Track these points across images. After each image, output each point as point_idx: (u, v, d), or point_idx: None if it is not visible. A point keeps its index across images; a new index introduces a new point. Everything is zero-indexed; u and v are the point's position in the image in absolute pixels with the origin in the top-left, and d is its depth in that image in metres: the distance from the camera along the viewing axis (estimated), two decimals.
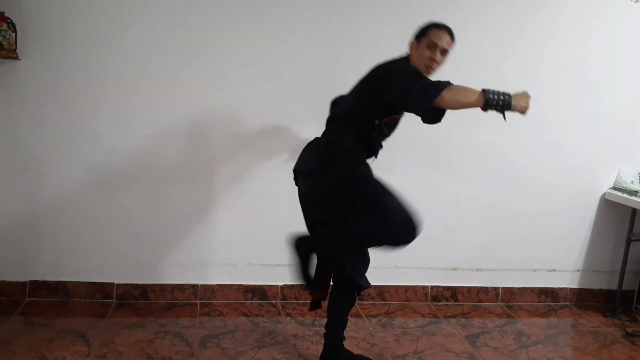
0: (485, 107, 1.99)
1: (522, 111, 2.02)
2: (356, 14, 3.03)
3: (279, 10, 2.96)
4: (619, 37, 3.31)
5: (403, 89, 2.06)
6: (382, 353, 2.69)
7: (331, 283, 2.48)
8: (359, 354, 2.56)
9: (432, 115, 2.05)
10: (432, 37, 2.23)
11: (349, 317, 2.50)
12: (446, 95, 1.98)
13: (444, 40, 2.23)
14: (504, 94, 1.98)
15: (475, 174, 3.29)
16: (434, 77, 2.23)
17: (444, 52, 2.25)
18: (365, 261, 2.43)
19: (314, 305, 2.48)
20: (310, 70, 3.02)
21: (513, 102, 1.98)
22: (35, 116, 2.85)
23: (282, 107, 3.03)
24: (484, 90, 1.99)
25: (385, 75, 2.18)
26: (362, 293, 2.52)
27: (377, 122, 2.27)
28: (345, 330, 2.50)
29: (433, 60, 2.23)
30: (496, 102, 1.95)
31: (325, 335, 2.48)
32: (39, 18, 2.77)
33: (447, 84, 2.01)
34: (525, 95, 2.04)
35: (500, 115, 2.03)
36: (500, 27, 3.18)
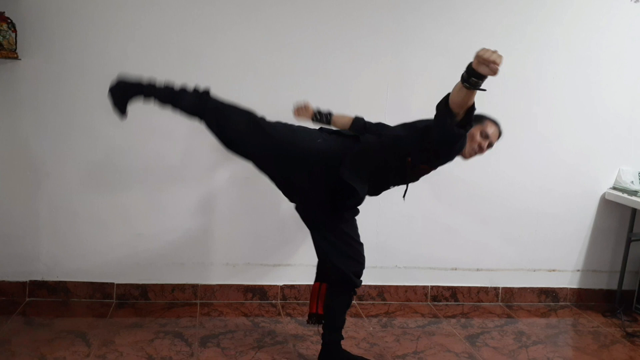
0: (464, 84, 1.95)
1: (482, 62, 1.94)
2: (357, 13, 3.03)
3: (280, 10, 2.97)
4: (619, 37, 3.31)
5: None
6: (382, 353, 2.69)
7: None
8: (358, 355, 2.56)
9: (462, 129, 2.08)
10: (488, 130, 2.32)
11: (349, 317, 2.50)
12: (453, 95, 1.99)
13: (495, 136, 2.36)
14: (466, 67, 1.97)
15: (475, 173, 3.29)
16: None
17: (490, 145, 2.36)
18: (359, 261, 2.42)
19: (316, 319, 2.52)
20: (311, 70, 3.02)
21: (473, 65, 1.93)
22: (35, 116, 2.85)
23: (282, 107, 3.02)
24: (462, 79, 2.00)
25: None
26: (357, 292, 2.52)
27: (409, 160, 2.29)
28: (345, 330, 2.50)
29: (481, 147, 2.34)
30: (465, 77, 1.93)
31: (323, 336, 2.48)
32: (39, 18, 2.77)
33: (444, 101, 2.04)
34: (480, 52, 1.97)
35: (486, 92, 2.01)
36: (500, 27, 3.18)
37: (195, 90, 2.41)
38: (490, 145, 2.37)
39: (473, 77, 1.92)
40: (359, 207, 2.41)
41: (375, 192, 2.40)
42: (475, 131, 2.30)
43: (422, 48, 3.11)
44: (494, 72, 1.93)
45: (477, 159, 3.24)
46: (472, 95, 1.96)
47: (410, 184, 2.37)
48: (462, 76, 1.94)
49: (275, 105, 3.01)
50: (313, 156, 2.28)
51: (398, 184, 2.41)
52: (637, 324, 3.27)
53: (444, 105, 2.01)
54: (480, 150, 2.35)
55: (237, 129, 2.33)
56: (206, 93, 2.40)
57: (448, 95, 2.01)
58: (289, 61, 3.01)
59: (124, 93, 2.40)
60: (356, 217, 2.46)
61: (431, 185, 3.24)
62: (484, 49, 1.92)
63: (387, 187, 2.43)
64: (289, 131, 2.36)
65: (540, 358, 2.76)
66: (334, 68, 3.05)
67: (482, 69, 1.91)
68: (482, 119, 2.33)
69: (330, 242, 2.36)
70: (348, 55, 3.04)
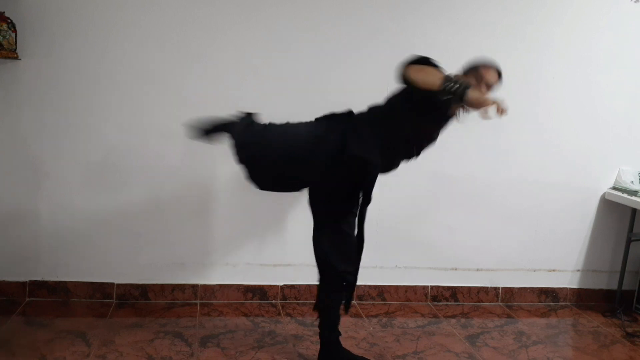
0: (441, 91, 2.04)
1: (475, 105, 2.04)
2: (359, 13, 3.03)
3: (281, 10, 2.97)
4: (619, 37, 3.31)
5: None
6: (382, 353, 2.69)
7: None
8: (359, 355, 2.55)
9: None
10: (483, 73, 2.30)
11: (349, 317, 2.50)
12: (412, 68, 2.14)
13: (493, 78, 2.31)
14: (462, 83, 2.03)
15: (475, 174, 3.29)
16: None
17: (489, 87, 2.31)
18: (353, 260, 2.42)
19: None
20: (311, 70, 3.02)
21: (469, 93, 2.02)
22: (35, 116, 2.85)
23: (282, 107, 3.02)
24: (445, 76, 2.08)
25: None
26: (358, 292, 2.51)
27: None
28: (345, 330, 2.50)
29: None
30: (450, 88, 2.02)
31: (321, 335, 2.48)
32: (39, 18, 2.77)
33: (425, 62, 2.15)
34: (482, 94, 2.10)
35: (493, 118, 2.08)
36: (501, 27, 3.18)
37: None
38: (489, 88, 2.31)
39: (458, 98, 2.02)
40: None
41: (387, 164, 2.39)
42: (469, 78, 2.29)
43: (422, 48, 3.09)
44: (476, 108, 2.06)
45: (477, 159, 3.27)
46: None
47: (416, 157, 2.42)
48: (448, 88, 2.02)
49: (275, 105, 3.02)
50: (315, 151, 2.30)
51: (406, 154, 2.41)
52: (637, 324, 3.27)
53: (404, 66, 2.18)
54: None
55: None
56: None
57: (414, 61, 2.16)
58: (288, 61, 3.01)
59: (205, 133, 2.59)
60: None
61: (431, 185, 3.25)
62: (487, 98, 2.04)
63: (396, 158, 2.41)
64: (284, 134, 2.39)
65: (540, 358, 2.76)
66: (334, 68, 3.04)
67: (472, 101, 2.02)
68: (475, 68, 2.33)
69: (331, 241, 2.35)
70: (348, 55, 3.04)
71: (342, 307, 2.45)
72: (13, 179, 2.89)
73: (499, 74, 2.34)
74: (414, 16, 3.08)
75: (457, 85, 2.03)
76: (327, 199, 2.38)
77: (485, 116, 2.06)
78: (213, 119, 2.59)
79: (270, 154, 2.35)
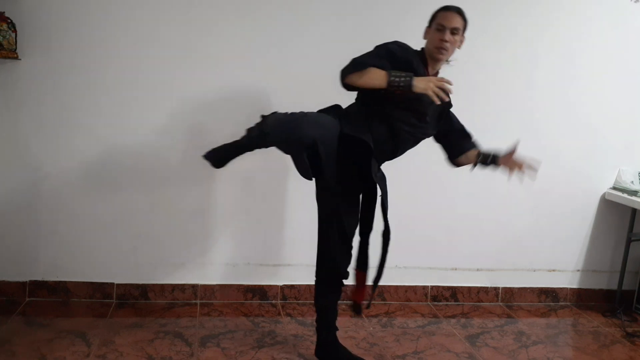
0: (388, 86, 2.17)
1: (425, 91, 2.14)
2: (360, 9, 3.03)
3: (280, 8, 2.96)
4: (619, 37, 3.31)
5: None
6: (382, 353, 2.69)
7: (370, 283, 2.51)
8: (358, 356, 2.55)
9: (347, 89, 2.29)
10: (440, 20, 2.31)
11: (349, 317, 2.51)
12: (354, 75, 2.22)
13: (451, 20, 2.29)
14: (406, 75, 2.16)
15: (475, 174, 3.28)
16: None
17: (455, 31, 2.30)
18: (349, 253, 2.44)
19: (354, 309, 2.56)
20: (312, 69, 3.01)
21: (414, 82, 2.15)
22: (35, 116, 2.85)
23: (282, 106, 3.02)
24: (388, 73, 2.17)
25: None
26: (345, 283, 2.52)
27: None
28: (345, 330, 2.50)
29: (442, 40, 2.29)
30: (397, 83, 2.15)
31: (319, 332, 2.49)
32: (38, 18, 2.77)
33: (363, 67, 2.20)
34: (427, 78, 2.18)
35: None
36: (501, 27, 3.18)
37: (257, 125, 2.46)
38: (455, 32, 2.29)
39: (406, 89, 2.14)
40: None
41: (387, 149, 2.39)
42: (432, 31, 2.32)
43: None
44: (427, 93, 2.15)
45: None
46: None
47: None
48: (394, 84, 2.14)
49: (276, 105, 3.02)
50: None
51: (401, 139, 2.40)
52: (637, 324, 3.27)
53: (345, 75, 2.26)
54: (444, 42, 2.28)
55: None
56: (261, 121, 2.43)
57: (355, 69, 2.21)
58: (288, 61, 3.01)
59: (219, 159, 2.57)
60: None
61: (431, 185, 3.24)
62: (435, 81, 2.16)
63: (393, 142, 2.39)
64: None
65: (540, 358, 2.76)
66: (333, 68, 3.03)
67: (420, 89, 2.14)
68: (433, 15, 2.35)
69: (338, 236, 2.35)
70: (347, 55, 3.03)
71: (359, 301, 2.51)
72: (13, 179, 2.89)
73: (461, 15, 2.32)
74: (414, 16, 3.06)
75: (402, 79, 2.15)
76: (334, 191, 2.34)
77: (437, 100, 2.16)
78: (227, 146, 2.55)
79: (329, 135, 2.24)
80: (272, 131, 2.27)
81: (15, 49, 2.71)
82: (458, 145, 2.61)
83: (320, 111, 2.41)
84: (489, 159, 2.54)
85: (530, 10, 3.19)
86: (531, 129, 3.29)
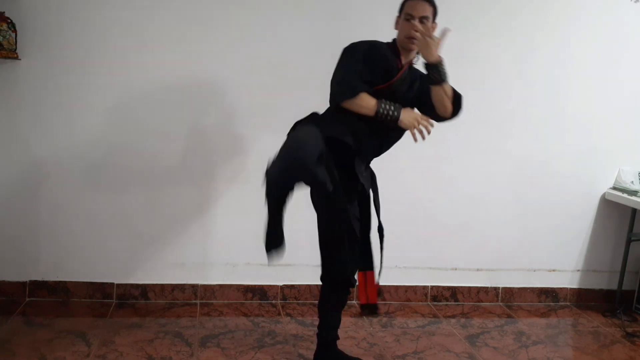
0: (375, 116, 2.23)
1: (408, 127, 2.24)
2: (357, 13, 3.02)
3: (280, 6, 2.96)
4: (619, 37, 3.31)
5: (332, 77, 2.33)
6: (382, 353, 2.69)
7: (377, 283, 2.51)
8: (355, 356, 2.54)
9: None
10: (408, 9, 2.30)
11: (349, 317, 2.50)
12: (348, 103, 2.24)
13: (419, 9, 2.28)
14: (395, 108, 2.23)
15: (475, 174, 3.29)
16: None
17: (424, 19, 2.27)
18: (357, 257, 2.42)
19: (369, 310, 2.53)
20: (309, 70, 3.01)
21: (401, 117, 2.23)
22: (35, 116, 2.85)
23: (282, 106, 3.02)
24: (378, 102, 2.22)
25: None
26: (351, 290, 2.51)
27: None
28: (345, 330, 2.49)
29: (412, 30, 2.26)
30: (384, 115, 2.22)
31: (319, 335, 2.48)
32: (39, 18, 2.77)
33: (353, 94, 2.22)
34: (414, 115, 2.27)
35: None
36: (498, 26, 3.18)
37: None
38: (424, 20, 2.26)
39: (393, 122, 2.22)
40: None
41: (370, 146, 2.38)
42: (402, 21, 2.30)
43: None
44: (409, 129, 2.25)
45: (477, 159, 3.26)
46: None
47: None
48: (382, 114, 2.20)
49: (276, 104, 3.02)
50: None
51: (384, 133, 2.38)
52: (637, 324, 3.27)
53: (341, 101, 2.27)
54: (414, 32, 2.23)
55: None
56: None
57: (348, 97, 2.23)
58: (287, 61, 3.01)
59: (273, 239, 2.33)
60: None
61: (431, 185, 3.24)
62: (419, 118, 2.26)
63: (377, 139, 2.38)
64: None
65: (540, 358, 2.76)
66: (333, 67, 3.03)
67: (405, 124, 2.24)
68: (401, 5, 2.33)
69: (349, 239, 2.33)
70: (325, 52, 3.02)
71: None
72: (13, 179, 2.89)
73: (429, 2, 2.29)
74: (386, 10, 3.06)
75: (390, 111, 2.22)
76: (340, 195, 2.29)
77: (415, 138, 2.25)
78: (268, 225, 2.31)
79: (321, 142, 2.23)
80: (277, 171, 2.21)
81: (15, 49, 2.71)
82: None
83: (297, 122, 2.40)
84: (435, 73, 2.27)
85: (534, 11, 3.19)
86: (532, 129, 3.29)
